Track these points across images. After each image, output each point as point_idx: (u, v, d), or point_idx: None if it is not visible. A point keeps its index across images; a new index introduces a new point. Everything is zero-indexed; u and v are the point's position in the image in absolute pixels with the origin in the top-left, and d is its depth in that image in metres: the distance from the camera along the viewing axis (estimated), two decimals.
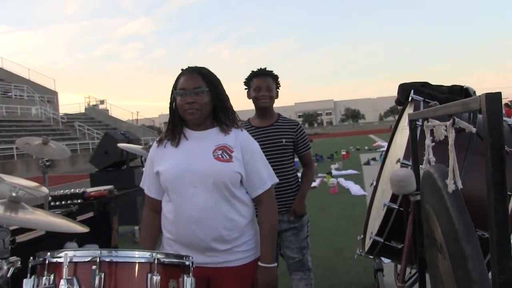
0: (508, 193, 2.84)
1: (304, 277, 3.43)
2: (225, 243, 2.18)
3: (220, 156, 2.19)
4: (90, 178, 7.45)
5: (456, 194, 1.77)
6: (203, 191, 2.15)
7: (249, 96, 3.38)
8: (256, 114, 3.46)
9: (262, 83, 3.29)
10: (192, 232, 2.15)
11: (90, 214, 4.57)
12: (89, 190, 4.84)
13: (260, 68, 3.37)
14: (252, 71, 3.37)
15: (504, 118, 3.24)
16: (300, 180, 3.48)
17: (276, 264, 2.33)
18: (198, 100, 2.18)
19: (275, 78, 3.37)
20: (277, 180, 2.40)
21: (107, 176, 7.07)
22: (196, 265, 1.95)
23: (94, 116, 42.74)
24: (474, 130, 1.76)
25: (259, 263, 2.24)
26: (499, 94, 1.27)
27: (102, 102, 47.09)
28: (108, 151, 7.22)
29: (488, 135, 1.24)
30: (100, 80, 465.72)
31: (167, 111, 2.36)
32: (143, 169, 2.52)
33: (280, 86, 3.43)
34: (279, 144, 3.29)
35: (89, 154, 22.47)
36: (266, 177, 2.31)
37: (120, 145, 5.94)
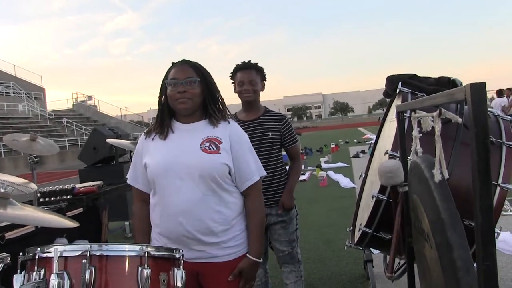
0: (494, 182, 2.90)
1: (294, 269, 3.45)
2: (212, 235, 2.17)
3: (207, 148, 2.19)
4: (79, 174, 7.40)
5: (442, 184, 1.79)
6: (190, 183, 2.15)
7: (235, 90, 3.38)
8: (242, 108, 3.45)
9: (245, 77, 3.27)
10: (179, 224, 2.14)
11: (80, 210, 4.55)
12: (78, 186, 4.82)
13: (244, 62, 3.35)
14: (237, 65, 3.36)
15: (490, 109, 3.27)
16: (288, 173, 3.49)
17: (261, 260, 2.33)
18: (190, 90, 2.19)
19: (259, 70, 3.35)
20: (265, 173, 2.40)
21: (96, 172, 7.02)
22: (184, 260, 1.94)
23: (82, 112, 42.43)
24: (460, 120, 1.78)
25: (247, 255, 2.25)
26: (483, 84, 1.28)
27: (90, 98, 46.73)
28: (97, 147, 7.18)
29: (473, 125, 1.26)
30: (87, 75, 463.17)
31: (156, 106, 2.37)
32: None
33: (265, 78, 3.42)
34: (265, 137, 3.29)
35: (77, 151, 22.33)
36: (254, 170, 2.31)
37: (109, 140, 5.92)
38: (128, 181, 2.38)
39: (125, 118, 45.30)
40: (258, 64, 3.36)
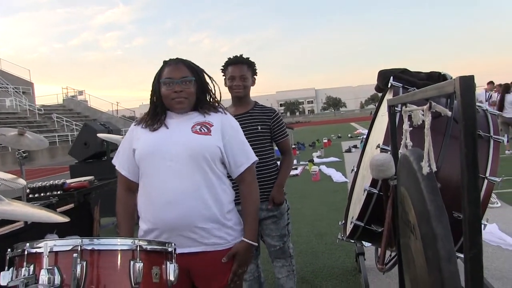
0: (481, 175, 2.93)
1: (286, 264, 3.46)
2: (201, 219, 2.14)
3: (198, 130, 2.21)
4: (70, 170, 7.39)
5: (430, 176, 1.80)
6: (180, 165, 2.13)
7: (225, 84, 3.37)
8: (232, 102, 3.45)
9: (237, 71, 3.27)
10: (168, 204, 2.11)
11: (71, 206, 4.55)
12: (69, 181, 4.81)
13: (236, 56, 3.34)
14: (228, 59, 3.35)
15: (479, 104, 3.31)
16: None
17: (256, 244, 2.34)
18: (186, 89, 2.20)
19: (251, 65, 3.34)
20: (257, 159, 2.41)
21: (87, 168, 7.00)
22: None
23: (73, 107, 42.19)
24: (449, 113, 1.80)
25: (243, 238, 2.25)
26: (472, 77, 1.30)
27: (80, 93, 46.48)
28: (88, 142, 7.16)
29: (462, 117, 1.28)
30: (78, 70, 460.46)
31: (147, 101, 2.36)
32: None
33: (256, 73, 3.42)
34: (255, 131, 3.29)
35: (68, 146, 22.20)
36: (248, 154, 2.34)
37: (100, 135, 5.91)
38: (117, 168, 2.35)
39: (116, 113, 45.20)
40: (249, 59, 3.36)
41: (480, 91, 15.28)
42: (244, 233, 2.27)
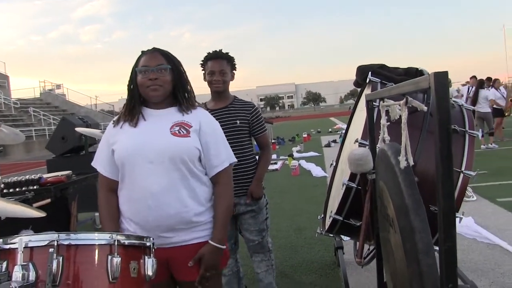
0: (457, 170, 2.98)
1: (264, 258, 3.48)
2: (182, 220, 2.17)
3: (177, 132, 2.19)
4: (47, 164, 7.27)
5: (407, 170, 1.83)
6: (160, 167, 2.14)
7: (204, 79, 3.37)
8: (211, 97, 3.45)
9: (216, 66, 3.27)
10: (149, 208, 2.13)
11: (48, 201, 4.47)
12: (45, 176, 4.73)
13: (215, 51, 3.34)
14: (208, 53, 3.35)
15: (455, 99, 3.36)
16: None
17: (225, 247, 2.29)
18: (161, 77, 2.19)
19: (230, 60, 3.34)
20: (235, 160, 2.39)
21: (65, 162, 6.91)
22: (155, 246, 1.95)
23: (50, 101, 41.55)
24: (425, 108, 1.82)
25: (209, 241, 2.22)
26: (445, 73, 1.32)
27: (58, 86, 45.79)
28: (66, 137, 7.06)
29: (437, 112, 1.30)
30: (56, 63, 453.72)
31: (126, 96, 2.33)
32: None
33: (236, 68, 3.42)
34: (234, 126, 3.30)
35: (45, 141, 21.88)
36: (225, 156, 2.32)
37: (78, 129, 5.85)
38: (99, 170, 2.31)
39: (95, 107, 44.73)
40: (229, 54, 3.36)
41: (456, 86, 15.48)
42: (211, 235, 2.24)
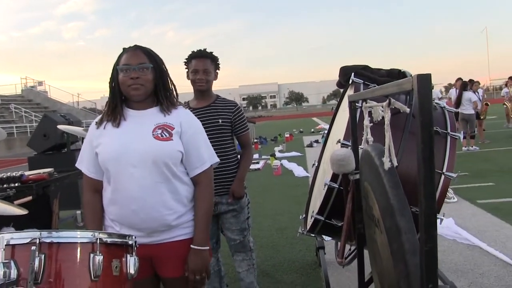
0: (439, 171, 3.01)
1: (246, 258, 3.48)
2: (166, 222, 2.18)
3: (159, 135, 2.18)
4: (28, 162, 7.21)
5: (391, 171, 1.85)
6: (143, 171, 2.13)
7: (188, 77, 3.37)
8: (194, 96, 3.45)
9: (200, 65, 3.26)
10: (133, 212, 2.14)
11: (29, 198, 4.43)
12: (27, 173, 4.69)
13: (200, 49, 3.33)
14: (192, 52, 3.34)
15: (437, 101, 3.39)
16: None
17: (208, 248, 2.29)
18: (142, 76, 2.17)
19: (214, 60, 3.34)
20: (217, 160, 2.38)
21: (46, 160, 6.84)
22: (139, 244, 1.95)
23: (32, 98, 41.04)
24: (407, 110, 1.85)
25: (191, 246, 2.22)
26: (429, 75, 1.34)
27: (40, 83, 45.20)
28: (48, 134, 7.00)
29: (419, 113, 1.32)
30: (38, 60, 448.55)
31: (109, 93, 2.31)
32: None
33: (219, 68, 3.42)
34: (216, 125, 3.30)
35: (27, 138, 21.53)
36: (206, 157, 2.30)
37: (60, 126, 5.80)
38: (84, 172, 2.29)
39: (77, 105, 44.29)
40: (213, 53, 3.36)
41: (439, 88, 15.65)
42: (193, 239, 2.24)
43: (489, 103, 15.43)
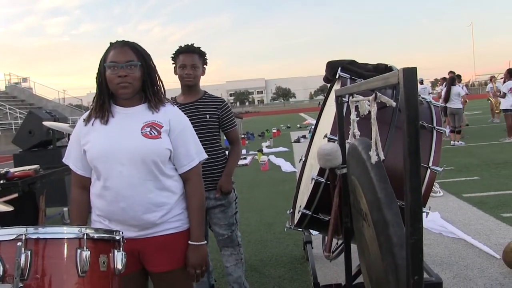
0: (424, 165, 3.04)
1: (234, 252, 3.50)
2: (154, 219, 2.18)
3: (148, 133, 2.17)
4: (13, 159, 7.15)
5: (378, 165, 1.86)
6: (131, 169, 2.12)
7: (175, 72, 3.36)
8: (181, 91, 3.45)
9: (188, 60, 3.26)
10: (122, 209, 2.13)
11: (15, 195, 4.40)
12: (12, 170, 4.65)
13: (187, 45, 3.33)
14: (180, 47, 3.33)
15: (423, 96, 3.42)
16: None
17: (205, 242, 2.34)
18: (130, 74, 2.15)
19: (202, 55, 3.34)
20: (205, 156, 2.39)
21: (32, 157, 6.79)
22: (126, 238, 1.97)
23: (16, 94, 40.50)
24: (394, 104, 1.86)
25: (189, 242, 2.26)
26: (414, 69, 1.34)
27: (25, 80, 44.72)
28: (33, 131, 6.94)
29: (405, 107, 1.32)
30: (22, 56, 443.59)
31: (95, 90, 2.27)
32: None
33: (207, 63, 3.42)
34: (203, 120, 3.30)
35: (11, 135, 21.37)
36: (194, 154, 2.31)
37: (46, 123, 5.74)
38: (72, 168, 2.28)
39: (63, 101, 43.84)
40: (201, 49, 3.35)
41: (427, 83, 15.83)
42: (190, 236, 2.27)
43: (467, 100, 15.61)
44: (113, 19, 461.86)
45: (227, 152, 3.51)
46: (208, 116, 3.32)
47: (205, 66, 3.41)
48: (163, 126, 2.21)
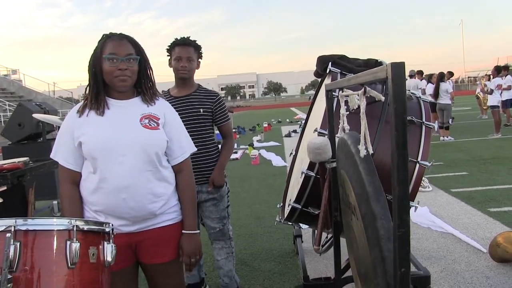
0: (413, 160, 3.06)
1: (225, 246, 3.51)
2: (154, 210, 2.20)
3: (147, 124, 2.19)
4: (2, 151, 7.10)
5: (367, 159, 1.88)
6: (132, 159, 2.12)
7: (170, 65, 3.35)
8: (175, 84, 3.44)
9: (184, 53, 3.26)
10: (122, 200, 2.12)
11: (3, 188, 4.37)
12: (1, 162, 4.61)
13: (183, 37, 3.32)
14: (175, 39, 3.32)
15: (413, 91, 3.44)
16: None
17: (199, 231, 2.39)
18: (130, 67, 2.15)
19: (197, 48, 3.34)
20: (195, 149, 2.44)
21: (21, 149, 6.74)
22: (124, 233, 2.06)
23: (6, 87, 40.16)
24: (382, 98, 1.87)
25: (183, 231, 2.30)
26: (402, 64, 1.36)
27: (14, 72, 44.43)
28: (23, 123, 6.89)
29: (393, 101, 1.34)
30: (11, 48, 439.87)
31: (86, 82, 2.24)
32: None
33: (202, 56, 3.42)
34: (197, 114, 3.29)
35: (0, 128, 21.21)
36: (185, 146, 2.35)
37: (36, 115, 5.70)
38: (61, 164, 2.20)
39: (53, 94, 43.61)
40: (196, 42, 3.35)
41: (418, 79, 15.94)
42: (183, 226, 2.32)
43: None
44: (104, 12, 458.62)
45: (219, 146, 3.51)
46: (202, 110, 3.31)
47: (200, 59, 3.41)
48: (159, 119, 2.24)
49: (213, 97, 3.40)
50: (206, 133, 3.36)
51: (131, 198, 2.13)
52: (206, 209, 3.41)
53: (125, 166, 2.12)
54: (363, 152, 1.90)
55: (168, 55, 3.37)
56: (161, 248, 2.26)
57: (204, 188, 3.34)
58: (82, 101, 2.26)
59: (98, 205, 2.17)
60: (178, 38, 3.33)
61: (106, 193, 2.14)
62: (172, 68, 3.34)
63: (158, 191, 2.21)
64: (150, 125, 2.19)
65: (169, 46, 3.35)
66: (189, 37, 3.34)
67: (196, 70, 3.41)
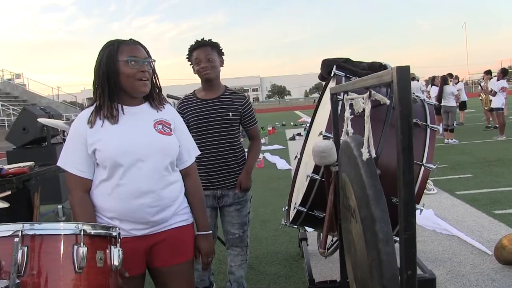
0: (418, 162, 3.06)
1: (241, 253, 3.47)
2: (170, 213, 2.23)
3: (162, 130, 2.21)
4: (7, 156, 7.11)
5: (369, 162, 1.88)
6: (150, 165, 2.12)
7: (194, 71, 3.28)
8: (202, 86, 3.35)
9: (201, 54, 3.19)
10: (141, 205, 2.11)
11: (8, 193, 4.38)
12: (6, 167, 4.64)
13: (197, 40, 3.27)
14: (191, 45, 3.27)
15: (417, 94, 3.44)
16: (246, 154, 3.48)
17: (211, 231, 2.49)
18: (148, 71, 2.17)
19: (215, 46, 3.27)
20: (199, 152, 2.50)
21: (26, 154, 6.75)
22: (138, 236, 2.11)
23: (10, 91, 40.18)
24: (388, 101, 1.87)
25: (198, 233, 2.38)
26: (408, 67, 1.37)
27: (18, 76, 44.43)
28: (27, 127, 6.91)
29: (398, 104, 1.34)
30: (15, 52, 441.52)
31: (90, 86, 2.23)
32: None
33: (223, 53, 3.34)
34: (226, 118, 3.22)
35: (5, 132, 21.09)
36: (192, 150, 2.42)
37: (41, 119, 5.73)
38: (73, 172, 2.13)
39: (57, 98, 43.66)
40: (212, 40, 3.29)
41: (421, 82, 15.98)
42: (197, 227, 2.40)
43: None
44: (108, 16, 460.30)
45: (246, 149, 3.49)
46: (231, 114, 3.23)
47: (222, 56, 3.33)
48: (171, 124, 2.27)
49: (241, 99, 3.34)
50: (234, 136, 3.32)
51: (149, 203, 2.13)
52: (229, 214, 3.37)
53: (143, 171, 2.12)
54: (365, 155, 1.90)
55: (190, 64, 3.30)
56: (173, 250, 2.27)
57: (231, 192, 3.32)
58: (89, 107, 2.21)
59: (114, 211, 2.13)
60: (193, 43, 3.27)
61: (123, 199, 2.11)
62: (196, 73, 3.26)
63: (173, 195, 2.24)
64: (164, 130, 2.22)
65: (187, 55, 3.30)
66: (203, 38, 3.28)
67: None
